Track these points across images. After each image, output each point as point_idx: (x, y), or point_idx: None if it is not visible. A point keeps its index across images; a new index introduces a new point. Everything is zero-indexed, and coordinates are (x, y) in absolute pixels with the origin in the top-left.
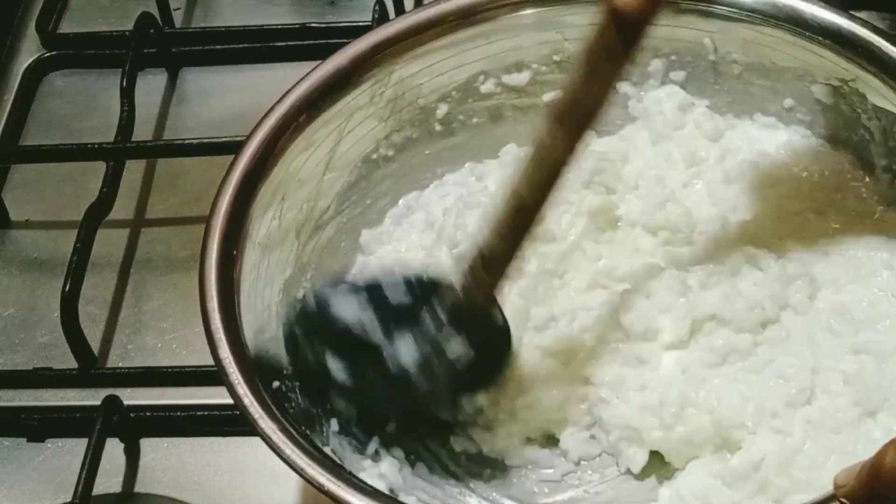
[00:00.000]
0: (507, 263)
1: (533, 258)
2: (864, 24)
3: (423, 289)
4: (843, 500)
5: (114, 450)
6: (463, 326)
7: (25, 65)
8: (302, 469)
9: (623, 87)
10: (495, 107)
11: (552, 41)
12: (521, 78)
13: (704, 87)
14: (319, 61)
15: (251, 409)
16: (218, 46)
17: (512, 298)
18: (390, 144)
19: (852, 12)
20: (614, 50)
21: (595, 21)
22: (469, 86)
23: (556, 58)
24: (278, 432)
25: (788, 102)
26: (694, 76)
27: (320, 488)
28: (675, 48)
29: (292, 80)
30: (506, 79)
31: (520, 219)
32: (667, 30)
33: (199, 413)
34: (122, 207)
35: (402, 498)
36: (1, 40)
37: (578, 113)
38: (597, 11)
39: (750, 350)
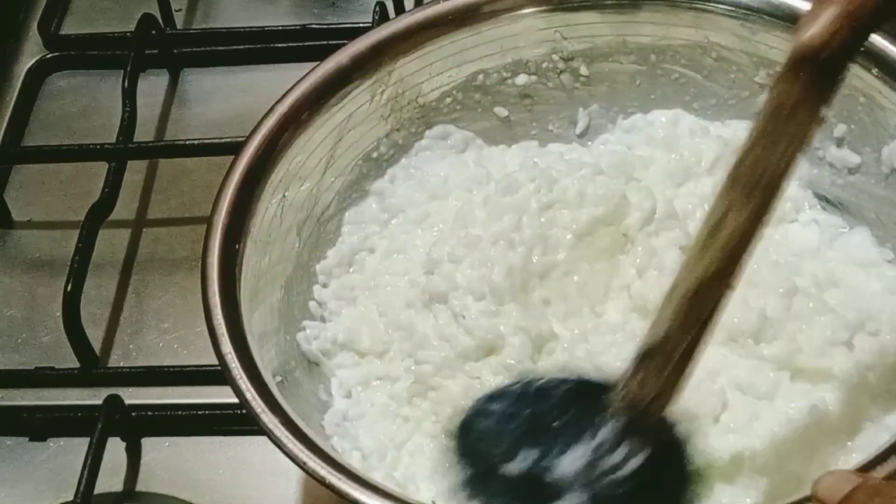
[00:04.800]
0: (685, 364)
1: None
2: None
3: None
4: None
5: (115, 449)
6: (628, 441)
7: (28, 66)
8: (304, 462)
9: None
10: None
11: (551, 40)
12: (519, 77)
13: None
14: (320, 62)
15: (253, 404)
16: (219, 47)
17: None
18: (391, 143)
19: None
20: (807, 99)
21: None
22: (469, 84)
23: (555, 56)
24: (280, 426)
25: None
26: None
27: (322, 481)
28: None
29: (293, 80)
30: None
31: (696, 305)
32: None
33: (200, 412)
34: (124, 208)
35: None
36: (3, 41)
37: (763, 177)
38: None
39: None
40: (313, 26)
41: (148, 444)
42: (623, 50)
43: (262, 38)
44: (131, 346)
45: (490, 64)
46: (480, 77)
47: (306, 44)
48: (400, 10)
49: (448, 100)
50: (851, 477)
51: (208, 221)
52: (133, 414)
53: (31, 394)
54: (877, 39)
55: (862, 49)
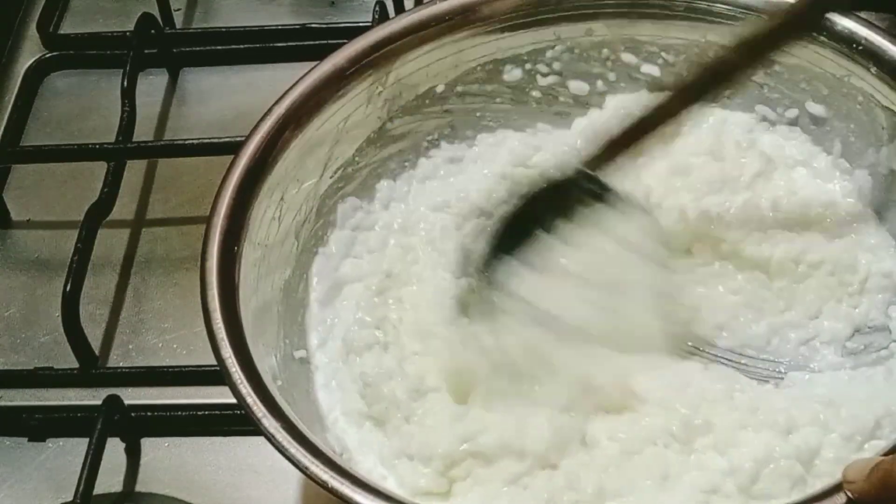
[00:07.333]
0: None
1: None
2: (868, 24)
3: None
4: (850, 493)
5: (115, 449)
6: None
7: (27, 65)
8: (306, 467)
9: None
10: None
11: (547, 41)
12: (515, 73)
13: None
14: (319, 62)
15: (255, 409)
16: (218, 47)
17: None
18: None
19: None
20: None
21: None
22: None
23: (549, 54)
24: (282, 431)
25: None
26: None
27: (324, 486)
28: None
29: (292, 80)
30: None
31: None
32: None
33: (199, 413)
34: (123, 207)
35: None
36: (2, 41)
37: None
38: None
39: None
40: (313, 26)
41: (147, 444)
42: (619, 48)
43: (261, 38)
44: (131, 346)
45: (488, 64)
46: (479, 77)
47: (306, 43)
48: (400, 9)
49: (445, 102)
50: (877, 458)
51: (207, 224)
52: (132, 414)
53: (30, 394)
54: (875, 38)
55: (860, 48)
